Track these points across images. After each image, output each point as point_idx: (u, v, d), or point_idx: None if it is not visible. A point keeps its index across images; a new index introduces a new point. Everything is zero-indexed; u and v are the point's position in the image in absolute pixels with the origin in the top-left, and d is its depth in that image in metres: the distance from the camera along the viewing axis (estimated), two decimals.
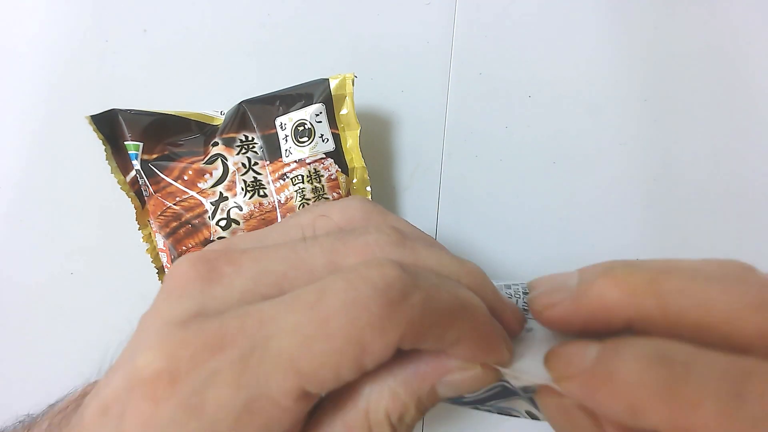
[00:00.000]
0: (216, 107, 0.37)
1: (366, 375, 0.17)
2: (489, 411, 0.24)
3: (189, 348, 0.15)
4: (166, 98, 0.37)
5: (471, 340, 0.17)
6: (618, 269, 0.17)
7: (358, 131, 0.33)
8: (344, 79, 0.32)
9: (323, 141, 0.32)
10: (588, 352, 0.17)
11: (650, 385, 0.14)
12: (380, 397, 0.18)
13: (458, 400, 0.24)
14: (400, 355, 0.18)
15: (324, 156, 0.32)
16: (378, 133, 0.37)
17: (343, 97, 0.33)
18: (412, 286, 0.16)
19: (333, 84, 0.32)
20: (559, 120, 0.35)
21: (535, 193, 0.36)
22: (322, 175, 0.32)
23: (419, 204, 0.36)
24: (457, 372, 0.18)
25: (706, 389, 0.14)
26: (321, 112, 0.32)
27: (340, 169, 0.33)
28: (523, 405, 0.23)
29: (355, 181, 0.34)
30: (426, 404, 0.19)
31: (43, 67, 0.36)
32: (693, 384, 0.14)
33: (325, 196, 0.33)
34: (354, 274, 0.16)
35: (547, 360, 0.19)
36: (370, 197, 0.34)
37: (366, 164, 0.36)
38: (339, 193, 0.33)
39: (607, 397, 0.15)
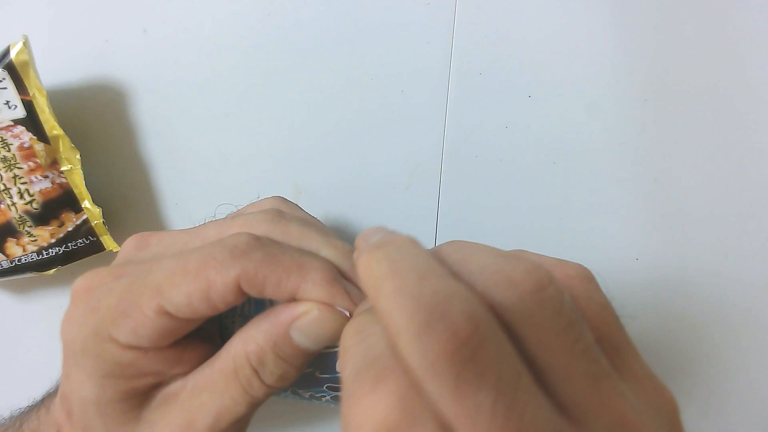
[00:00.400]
0: (216, 107, 0.37)
1: (241, 330, 0.23)
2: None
3: (102, 275, 0.23)
4: (166, 98, 0.37)
5: (310, 290, 0.21)
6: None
7: (46, 97, 0.33)
8: (23, 45, 0.32)
9: (9, 108, 0.32)
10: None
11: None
12: (244, 343, 0.22)
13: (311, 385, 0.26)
14: (264, 313, 0.23)
15: (12, 123, 0.32)
16: (378, 133, 0.37)
17: (26, 63, 0.32)
18: (255, 246, 0.21)
19: (14, 50, 0.32)
20: (559, 120, 0.35)
21: (535, 193, 0.36)
22: (11, 144, 0.32)
23: (419, 204, 0.37)
24: (304, 315, 0.22)
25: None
26: (3, 78, 0.32)
27: (36, 137, 0.33)
28: None
29: (61, 149, 0.34)
30: (285, 350, 0.22)
31: (42, 67, 0.36)
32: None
33: (18, 165, 0.33)
34: (217, 240, 0.22)
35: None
36: (80, 165, 0.34)
37: (366, 164, 0.37)
38: (36, 162, 0.33)
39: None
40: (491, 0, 0.35)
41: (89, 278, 0.24)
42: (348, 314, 0.22)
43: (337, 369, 0.24)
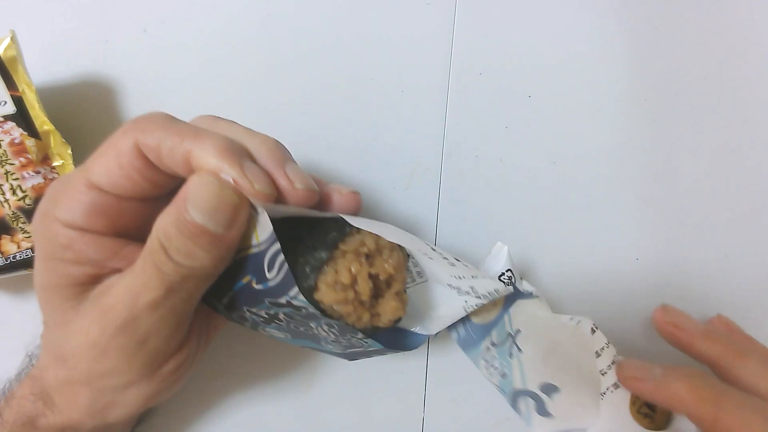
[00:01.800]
0: (216, 106, 0.37)
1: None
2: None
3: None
4: (166, 97, 0.37)
5: (200, 156, 0.22)
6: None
7: (35, 92, 0.33)
8: (11, 40, 0.32)
9: (0, 104, 0.32)
10: (654, 369, 0.27)
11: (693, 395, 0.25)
12: (156, 222, 0.23)
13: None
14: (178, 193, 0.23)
15: (2, 119, 0.32)
16: (377, 133, 0.37)
17: (14, 59, 0.32)
18: (161, 118, 0.23)
19: (2, 46, 0.32)
20: (559, 120, 0.35)
21: (535, 193, 0.36)
22: (1, 140, 0.32)
23: (419, 204, 0.36)
24: (191, 187, 0.22)
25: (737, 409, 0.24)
26: None
27: (26, 133, 0.33)
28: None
29: (53, 145, 0.34)
30: (185, 226, 0.22)
31: (42, 67, 0.35)
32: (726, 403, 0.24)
33: (10, 161, 0.32)
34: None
35: (621, 366, 0.28)
36: (71, 160, 0.34)
37: (366, 164, 0.36)
38: (28, 158, 0.33)
39: (664, 396, 0.26)
40: (491, 0, 0.36)
41: (59, 177, 0.27)
42: (231, 181, 0.22)
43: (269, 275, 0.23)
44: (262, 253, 0.23)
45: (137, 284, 0.23)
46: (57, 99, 0.36)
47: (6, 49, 0.32)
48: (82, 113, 0.37)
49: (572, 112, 0.35)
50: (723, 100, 0.35)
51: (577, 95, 0.35)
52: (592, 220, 0.35)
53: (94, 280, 0.24)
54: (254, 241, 0.24)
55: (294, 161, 0.25)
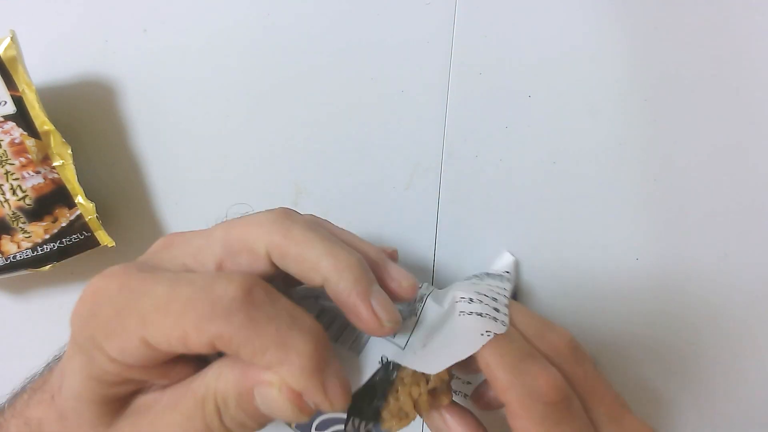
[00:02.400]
0: (216, 106, 0.37)
1: (220, 360, 0.22)
2: None
3: (114, 279, 0.22)
4: (166, 98, 0.37)
5: (286, 375, 0.20)
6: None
7: (35, 92, 0.33)
8: (11, 40, 0.32)
9: (0, 104, 0.32)
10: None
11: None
12: (216, 378, 0.22)
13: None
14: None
15: (2, 119, 0.32)
16: (378, 133, 0.37)
17: (14, 59, 0.32)
18: (239, 305, 0.20)
19: (2, 46, 0.32)
20: (559, 120, 0.35)
21: (535, 193, 0.36)
22: (1, 140, 0.32)
23: (419, 204, 0.36)
24: (267, 386, 0.21)
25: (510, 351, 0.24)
26: None
27: (26, 133, 0.33)
28: None
29: (53, 145, 0.33)
30: (246, 405, 0.21)
31: (42, 67, 0.35)
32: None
33: (10, 161, 0.33)
34: (209, 278, 0.21)
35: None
36: (71, 160, 0.34)
37: (366, 164, 0.36)
38: (28, 158, 0.33)
39: None
40: (491, 0, 0.36)
41: (103, 278, 0.23)
42: (312, 406, 0.21)
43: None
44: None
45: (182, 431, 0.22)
46: (57, 99, 0.36)
47: (6, 49, 0.32)
48: (82, 113, 0.37)
49: (572, 111, 0.35)
50: (723, 100, 0.35)
51: (577, 95, 0.35)
52: (592, 220, 0.35)
53: (135, 394, 0.23)
54: None
55: (377, 285, 0.24)
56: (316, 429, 0.26)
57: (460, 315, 0.26)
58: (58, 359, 0.29)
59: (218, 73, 0.37)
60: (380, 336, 0.24)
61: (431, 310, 0.27)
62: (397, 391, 0.24)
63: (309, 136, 0.37)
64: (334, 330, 0.26)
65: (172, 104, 0.37)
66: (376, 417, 0.24)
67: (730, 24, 0.35)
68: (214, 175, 0.37)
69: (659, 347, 0.35)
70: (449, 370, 0.25)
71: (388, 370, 0.24)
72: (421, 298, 0.28)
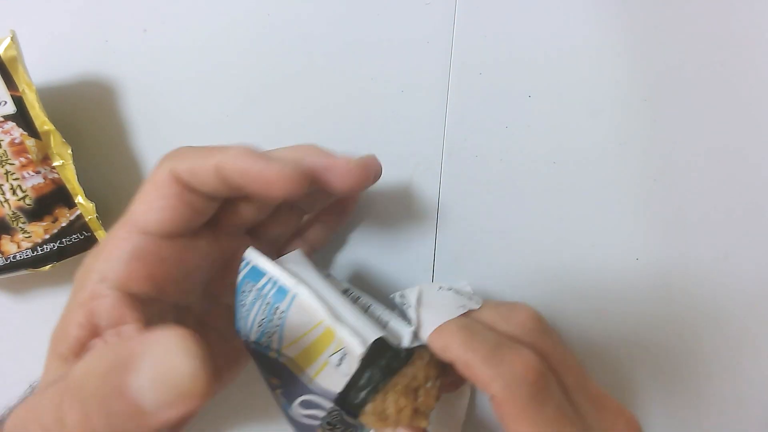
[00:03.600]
0: (216, 106, 0.37)
1: None
2: None
3: None
4: (166, 98, 0.37)
5: (225, 157, 0.23)
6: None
7: (35, 92, 0.33)
8: (11, 40, 0.32)
9: (0, 104, 0.32)
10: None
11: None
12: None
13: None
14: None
15: (2, 119, 0.32)
16: (378, 133, 0.37)
17: (14, 59, 0.32)
18: (187, 149, 0.25)
19: (2, 46, 0.32)
20: (559, 120, 0.35)
21: (535, 192, 0.36)
22: (1, 140, 0.32)
23: (419, 204, 0.36)
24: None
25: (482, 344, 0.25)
26: None
27: (26, 133, 0.33)
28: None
29: (53, 145, 0.34)
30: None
31: (42, 67, 0.35)
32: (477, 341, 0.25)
33: (10, 161, 0.32)
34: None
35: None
36: (72, 160, 0.34)
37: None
38: (28, 158, 0.33)
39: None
40: (491, 0, 0.36)
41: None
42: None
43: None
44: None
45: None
46: (57, 99, 0.36)
47: (6, 49, 0.32)
48: (82, 113, 0.37)
49: (572, 112, 0.35)
50: (723, 100, 0.35)
51: (577, 95, 0.35)
52: (592, 220, 0.35)
53: (81, 350, 0.23)
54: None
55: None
56: (300, 405, 0.27)
57: (439, 289, 0.30)
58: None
59: (218, 73, 0.37)
60: (351, 180, 0.26)
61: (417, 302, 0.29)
62: (387, 393, 0.25)
63: (309, 136, 0.37)
64: (360, 306, 0.28)
65: (172, 104, 0.37)
66: (361, 405, 0.25)
67: (731, 24, 0.35)
68: None
69: (659, 347, 0.35)
70: (438, 391, 0.26)
71: (399, 356, 0.25)
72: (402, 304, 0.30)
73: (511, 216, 0.36)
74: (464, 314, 0.27)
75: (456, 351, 0.25)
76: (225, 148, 0.24)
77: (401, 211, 0.37)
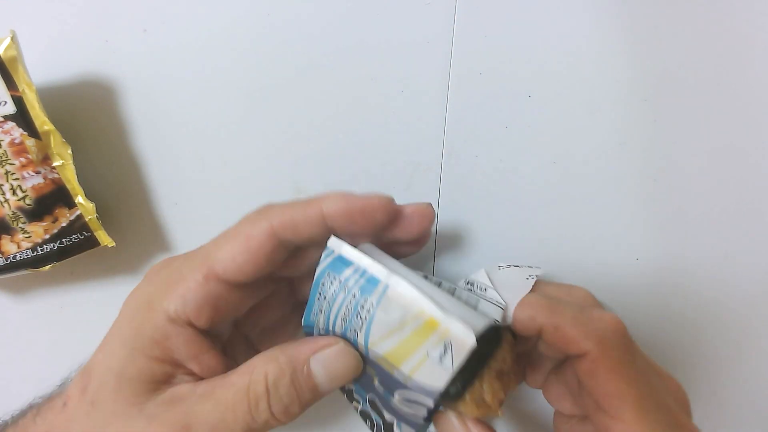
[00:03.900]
0: (216, 106, 0.37)
1: (266, 351, 0.24)
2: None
3: (171, 258, 0.28)
4: (166, 98, 0.37)
5: (330, 203, 0.25)
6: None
7: (35, 92, 0.33)
8: (11, 40, 0.32)
9: (0, 104, 0.32)
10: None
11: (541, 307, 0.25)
12: (266, 361, 0.23)
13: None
14: (291, 342, 0.24)
15: (2, 119, 0.32)
16: (378, 133, 0.37)
17: (14, 59, 0.32)
18: (279, 204, 0.26)
19: (2, 46, 0.32)
20: (559, 120, 0.35)
21: (535, 193, 0.36)
22: (2, 140, 0.32)
23: None
24: (327, 347, 0.23)
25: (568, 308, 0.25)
26: None
27: (26, 133, 0.33)
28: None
29: (53, 145, 0.34)
30: (300, 380, 0.23)
31: (42, 67, 0.35)
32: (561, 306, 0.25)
33: (10, 161, 0.32)
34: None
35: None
36: (72, 160, 0.34)
37: (366, 164, 0.36)
38: (28, 158, 0.33)
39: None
40: (491, 0, 0.36)
41: (161, 261, 0.27)
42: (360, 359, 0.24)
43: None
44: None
45: (220, 419, 0.22)
46: (57, 99, 0.36)
47: (6, 49, 0.32)
48: (82, 113, 0.37)
49: (572, 112, 0.35)
50: (723, 100, 0.35)
51: (577, 95, 0.35)
52: (592, 220, 0.35)
53: (168, 378, 0.24)
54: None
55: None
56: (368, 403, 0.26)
57: (500, 269, 0.29)
58: (69, 378, 0.29)
59: (218, 73, 0.37)
60: (430, 222, 0.28)
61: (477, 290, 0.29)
62: (483, 378, 0.24)
63: (309, 136, 0.37)
64: (447, 291, 0.28)
65: (172, 104, 0.37)
66: (460, 394, 0.24)
67: (731, 24, 0.35)
68: (214, 174, 0.37)
69: (659, 347, 0.35)
70: (517, 375, 0.27)
71: (495, 340, 0.25)
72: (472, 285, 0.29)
73: (511, 216, 0.36)
74: (534, 290, 0.28)
75: (544, 317, 0.25)
76: (322, 197, 0.25)
77: None
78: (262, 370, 0.23)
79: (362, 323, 0.24)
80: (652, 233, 0.35)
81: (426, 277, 0.28)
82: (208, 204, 0.37)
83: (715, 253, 0.35)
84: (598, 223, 0.35)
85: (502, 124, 0.36)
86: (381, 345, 0.23)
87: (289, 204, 0.25)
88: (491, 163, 0.36)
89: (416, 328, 0.23)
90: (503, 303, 0.26)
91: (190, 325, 0.24)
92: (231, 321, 0.28)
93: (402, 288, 0.23)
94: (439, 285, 0.28)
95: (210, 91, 0.37)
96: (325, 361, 0.23)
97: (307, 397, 0.23)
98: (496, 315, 0.26)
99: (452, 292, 0.28)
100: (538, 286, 0.28)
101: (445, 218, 0.36)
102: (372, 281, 0.24)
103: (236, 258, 0.24)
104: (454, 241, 0.36)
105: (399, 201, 0.36)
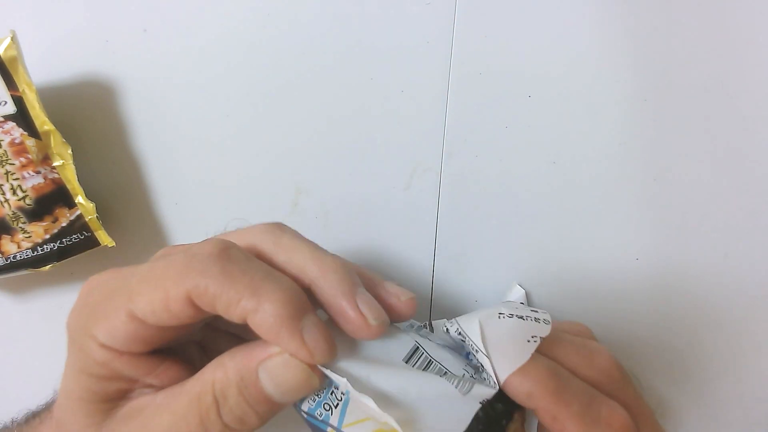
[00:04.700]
0: (216, 106, 0.37)
1: (219, 356, 0.22)
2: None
3: (108, 273, 0.24)
4: (166, 98, 0.37)
5: (258, 323, 0.20)
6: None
7: (35, 92, 0.33)
8: (11, 40, 0.32)
9: (0, 104, 0.32)
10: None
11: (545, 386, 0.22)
12: (214, 369, 0.21)
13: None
14: (243, 345, 0.22)
15: (2, 119, 0.32)
16: (378, 133, 0.37)
17: (14, 59, 0.32)
18: (215, 260, 0.20)
19: (2, 46, 0.32)
20: (559, 120, 0.35)
21: (535, 193, 0.36)
22: (2, 140, 0.32)
23: (419, 204, 0.36)
24: (274, 357, 0.21)
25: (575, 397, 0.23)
26: None
27: (26, 133, 0.33)
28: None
29: (53, 145, 0.33)
30: (249, 389, 0.21)
31: (42, 67, 0.35)
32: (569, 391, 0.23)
33: (10, 161, 0.32)
34: (188, 245, 0.22)
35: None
36: (72, 160, 0.34)
37: (366, 164, 0.36)
38: (28, 158, 0.33)
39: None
40: (491, 0, 0.36)
41: (97, 275, 0.24)
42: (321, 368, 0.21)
43: None
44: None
45: (175, 431, 0.21)
46: (57, 99, 0.36)
47: (6, 49, 0.32)
48: (82, 113, 0.37)
49: (572, 112, 0.35)
50: (723, 100, 0.35)
51: (577, 95, 0.35)
52: (592, 220, 0.35)
53: (124, 394, 0.23)
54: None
55: (362, 287, 0.23)
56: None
57: (500, 317, 0.24)
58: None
59: (218, 73, 0.37)
60: (368, 337, 0.22)
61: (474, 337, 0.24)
62: None
63: (309, 137, 0.37)
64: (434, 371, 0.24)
65: (172, 104, 0.37)
66: None
67: (731, 24, 0.35)
68: (214, 175, 0.37)
69: (659, 347, 0.35)
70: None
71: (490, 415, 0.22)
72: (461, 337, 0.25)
73: (511, 216, 0.36)
74: (540, 343, 0.24)
75: (545, 402, 0.22)
76: (258, 294, 0.20)
77: (401, 211, 0.37)
78: (210, 378, 0.21)
79: (336, 402, 0.22)
80: (652, 233, 0.35)
81: (415, 353, 0.24)
82: (208, 204, 0.37)
83: (715, 253, 0.35)
84: (598, 224, 0.35)
85: (502, 124, 0.36)
86: (354, 428, 0.22)
87: (221, 274, 0.20)
88: (491, 163, 0.36)
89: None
90: (492, 378, 0.23)
91: (129, 353, 0.22)
92: (192, 334, 0.26)
93: (364, 400, 0.21)
94: (428, 365, 0.24)
95: (210, 91, 0.37)
96: (271, 371, 0.21)
97: (263, 408, 0.21)
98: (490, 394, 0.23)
99: (443, 374, 0.23)
100: (556, 346, 0.25)
101: (444, 218, 0.36)
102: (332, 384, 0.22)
103: (156, 313, 0.21)
104: (453, 241, 0.36)
105: (399, 201, 0.36)
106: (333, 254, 0.24)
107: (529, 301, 0.36)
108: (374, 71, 0.37)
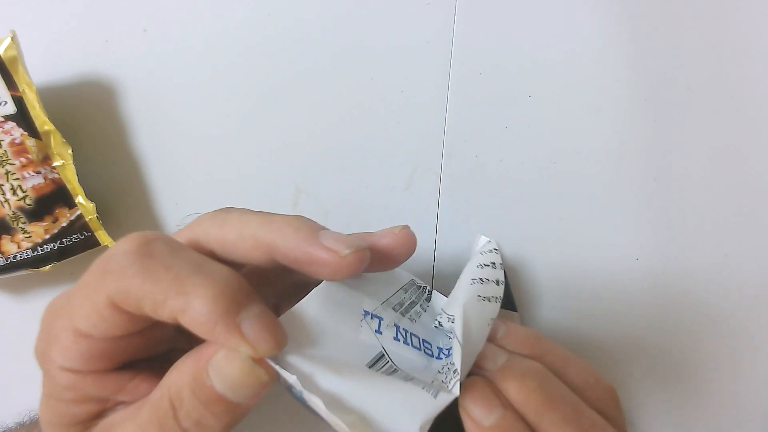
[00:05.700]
0: (216, 106, 0.37)
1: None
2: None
3: (62, 295, 0.22)
4: (166, 98, 0.37)
5: (190, 323, 0.18)
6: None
7: (35, 92, 0.33)
8: (11, 40, 0.32)
9: (0, 104, 0.32)
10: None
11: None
12: (169, 374, 0.20)
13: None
14: (200, 346, 0.20)
15: (3, 119, 0.32)
16: (378, 133, 0.37)
17: (14, 59, 0.32)
18: (134, 258, 0.19)
19: (2, 46, 0.32)
20: (559, 120, 0.35)
21: (535, 193, 0.36)
22: (2, 140, 0.32)
23: (419, 204, 0.36)
24: (218, 351, 0.19)
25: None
26: None
27: (27, 133, 0.33)
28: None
29: (53, 145, 0.33)
30: (202, 390, 0.19)
31: (42, 67, 0.35)
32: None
33: (10, 162, 0.32)
34: (110, 248, 0.20)
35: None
36: (72, 160, 0.34)
37: (366, 164, 0.36)
38: (28, 158, 0.33)
39: None
40: (491, 0, 0.36)
41: (55, 298, 0.22)
42: (270, 363, 0.19)
43: None
44: None
45: None
46: (57, 99, 0.36)
47: (6, 49, 0.32)
48: (82, 113, 0.37)
49: (572, 112, 0.35)
50: (723, 100, 0.35)
51: (578, 95, 0.35)
52: (592, 219, 0.35)
53: (99, 415, 0.22)
54: None
55: (326, 229, 0.21)
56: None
57: (479, 299, 0.26)
58: None
59: (218, 73, 0.37)
60: (348, 272, 0.20)
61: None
62: None
63: (309, 136, 0.37)
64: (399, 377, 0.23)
65: (172, 104, 0.37)
66: None
67: (731, 24, 0.35)
68: (214, 175, 0.37)
69: (659, 347, 0.35)
70: None
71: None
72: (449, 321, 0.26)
73: (511, 216, 0.36)
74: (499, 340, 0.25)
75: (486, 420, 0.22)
76: (184, 292, 0.18)
77: (401, 211, 0.37)
78: (166, 382, 0.20)
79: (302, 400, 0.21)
80: (652, 233, 0.35)
81: (379, 358, 0.23)
82: (208, 204, 0.37)
83: (715, 253, 0.35)
84: (598, 223, 0.35)
85: (502, 124, 0.36)
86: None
87: (139, 273, 0.19)
88: (491, 162, 0.36)
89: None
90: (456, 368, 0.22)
91: (91, 372, 0.21)
92: (160, 343, 0.24)
93: (314, 400, 0.20)
94: (393, 372, 0.23)
95: (210, 91, 0.37)
96: (217, 367, 0.19)
97: (219, 409, 0.19)
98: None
99: (409, 379, 0.22)
100: (567, 364, 0.25)
101: (444, 218, 0.36)
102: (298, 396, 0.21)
103: (94, 324, 0.19)
104: (453, 240, 0.36)
105: (399, 201, 0.36)
106: (287, 214, 0.22)
107: (529, 299, 0.36)
108: (374, 71, 0.37)
